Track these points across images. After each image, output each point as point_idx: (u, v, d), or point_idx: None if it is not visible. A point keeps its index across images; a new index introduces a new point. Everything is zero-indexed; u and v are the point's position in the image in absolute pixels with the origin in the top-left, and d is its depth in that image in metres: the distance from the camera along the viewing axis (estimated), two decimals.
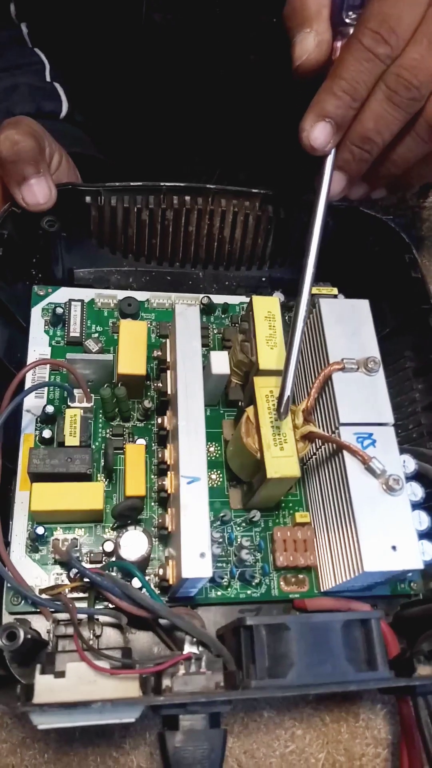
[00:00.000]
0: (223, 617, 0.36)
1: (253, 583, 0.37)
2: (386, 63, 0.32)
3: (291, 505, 0.40)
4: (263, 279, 0.49)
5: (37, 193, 0.39)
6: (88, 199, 0.43)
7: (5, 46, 0.52)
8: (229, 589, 0.37)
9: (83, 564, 0.33)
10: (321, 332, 0.38)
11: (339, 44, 0.34)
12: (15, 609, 0.34)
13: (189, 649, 0.30)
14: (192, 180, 0.44)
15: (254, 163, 0.57)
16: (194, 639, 0.31)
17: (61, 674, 0.29)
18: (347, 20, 0.33)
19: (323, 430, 0.36)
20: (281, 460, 0.34)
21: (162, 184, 0.43)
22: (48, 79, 0.51)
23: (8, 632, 0.29)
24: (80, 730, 0.36)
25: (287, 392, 0.34)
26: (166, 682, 0.29)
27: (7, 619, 0.34)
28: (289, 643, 0.30)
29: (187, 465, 0.32)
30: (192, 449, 0.33)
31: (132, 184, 0.43)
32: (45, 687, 0.29)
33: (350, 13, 0.33)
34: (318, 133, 0.33)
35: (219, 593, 0.37)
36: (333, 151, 0.35)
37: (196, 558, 0.30)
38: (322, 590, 0.37)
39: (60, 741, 0.36)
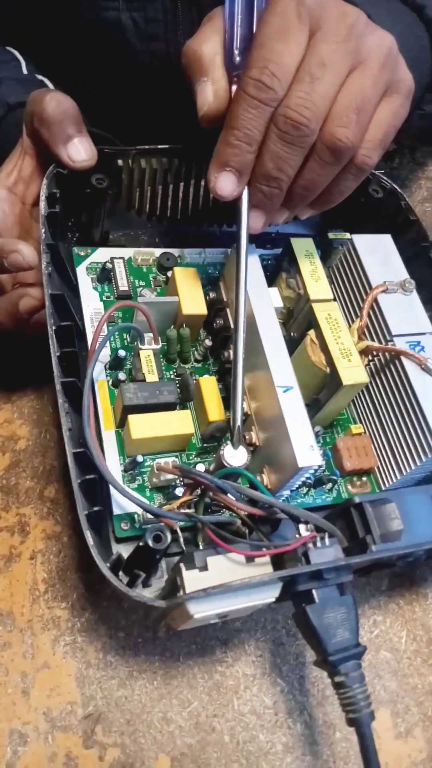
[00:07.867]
0: None
1: (326, 489, 0.41)
2: (273, 106, 0.32)
3: (341, 422, 0.44)
4: (272, 234, 0.53)
5: (82, 150, 0.41)
6: (119, 162, 0.45)
7: None
8: (306, 497, 0.41)
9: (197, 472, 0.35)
10: (359, 262, 0.43)
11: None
12: (124, 534, 0.36)
13: (305, 533, 0.34)
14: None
15: None
16: (308, 525, 0.34)
17: (204, 568, 0.32)
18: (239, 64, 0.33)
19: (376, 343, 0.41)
20: (352, 369, 0.38)
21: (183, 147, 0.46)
22: (25, 72, 0.53)
23: (155, 534, 0.31)
24: (183, 653, 0.39)
25: (239, 422, 0.35)
26: (297, 562, 0.33)
27: (116, 546, 0.36)
28: (392, 513, 0.34)
29: (280, 376, 0.36)
30: (281, 363, 0.36)
31: (159, 147, 0.46)
32: (193, 580, 0.31)
33: (239, 59, 0.33)
34: (223, 183, 0.34)
35: (299, 501, 0.40)
36: (245, 191, 0.35)
37: (307, 449, 0.34)
38: (382, 489, 0.42)
39: (166, 667, 0.38)
